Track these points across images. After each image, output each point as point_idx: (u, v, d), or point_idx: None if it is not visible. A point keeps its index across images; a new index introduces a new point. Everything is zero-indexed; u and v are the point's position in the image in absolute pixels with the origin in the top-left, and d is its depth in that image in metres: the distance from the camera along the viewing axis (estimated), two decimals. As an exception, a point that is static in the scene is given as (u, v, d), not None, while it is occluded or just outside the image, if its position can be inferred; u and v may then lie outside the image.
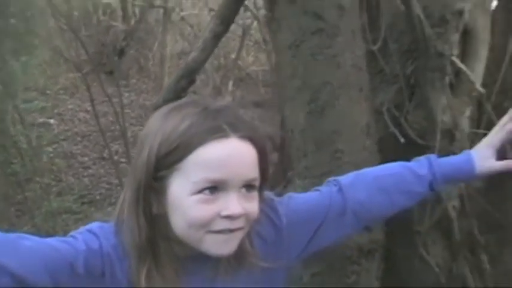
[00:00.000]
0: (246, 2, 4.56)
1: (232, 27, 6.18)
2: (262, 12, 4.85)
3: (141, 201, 1.06)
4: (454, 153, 1.43)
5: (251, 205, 1.07)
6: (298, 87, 2.15)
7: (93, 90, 5.63)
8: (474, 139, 2.15)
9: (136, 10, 8.71)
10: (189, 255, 1.10)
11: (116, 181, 5.66)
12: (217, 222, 1.04)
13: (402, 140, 2.22)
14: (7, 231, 1.04)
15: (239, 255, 1.12)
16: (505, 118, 1.34)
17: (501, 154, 1.33)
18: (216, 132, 1.03)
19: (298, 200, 1.25)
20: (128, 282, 1.08)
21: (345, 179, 1.30)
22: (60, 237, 1.08)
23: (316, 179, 1.97)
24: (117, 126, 5.85)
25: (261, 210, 1.13)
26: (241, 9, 5.49)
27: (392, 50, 2.37)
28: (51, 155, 6.53)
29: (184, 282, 1.11)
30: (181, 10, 7.65)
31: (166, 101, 2.11)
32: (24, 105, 6.22)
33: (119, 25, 8.50)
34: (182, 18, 7.23)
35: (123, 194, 1.11)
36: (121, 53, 8.37)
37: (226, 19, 2.13)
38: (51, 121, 7.25)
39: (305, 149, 2.19)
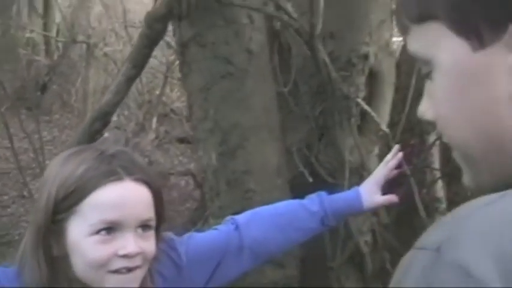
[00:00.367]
0: (169, 39, 4.59)
1: (156, 63, 6.22)
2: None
3: (40, 244, 1.08)
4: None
5: (147, 244, 1.10)
6: (209, 129, 2.20)
7: (16, 126, 5.49)
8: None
9: (60, 45, 8.62)
10: (93, 297, 1.12)
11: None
12: (115, 261, 1.06)
13: (310, 179, 2.29)
14: None
15: None
16: (388, 156, 1.44)
17: (386, 188, 1.42)
18: (111, 176, 1.07)
19: (198, 239, 1.30)
20: None
21: (242, 217, 1.36)
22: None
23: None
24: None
25: (162, 249, 1.16)
26: (165, 45, 5.54)
27: (303, 91, 2.45)
28: (-31, 193, 6.30)
29: None
30: (105, 45, 7.61)
31: (80, 143, 2.10)
32: None
33: (42, 60, 8.36)
34: (105, 54, 7.20)
35: (25, 237, 1.12)
36: (44, 88, 8.21)
37: (138, 63, 2.17)
38: (-31, 159, 6.99)
39: (218, 189, 2.23)
